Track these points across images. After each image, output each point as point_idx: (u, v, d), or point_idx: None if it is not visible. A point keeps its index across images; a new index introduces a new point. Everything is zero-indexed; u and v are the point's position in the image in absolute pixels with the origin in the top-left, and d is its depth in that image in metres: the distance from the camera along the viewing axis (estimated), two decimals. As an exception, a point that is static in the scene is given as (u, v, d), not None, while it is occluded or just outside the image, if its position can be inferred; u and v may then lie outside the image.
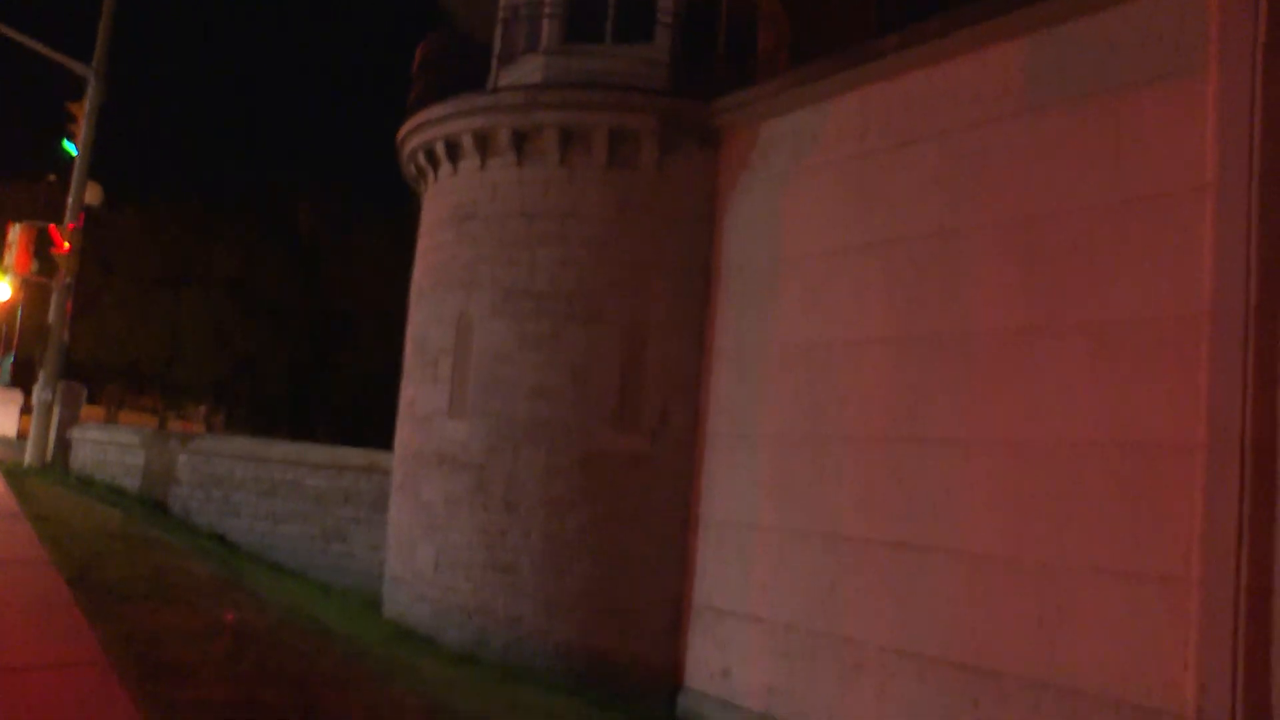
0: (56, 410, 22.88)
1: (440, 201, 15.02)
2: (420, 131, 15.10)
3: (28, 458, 22.42)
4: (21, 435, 30.49)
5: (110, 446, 21.77)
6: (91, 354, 41.50)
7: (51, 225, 23.90)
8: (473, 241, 14.21)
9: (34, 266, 26.71)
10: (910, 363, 10.56)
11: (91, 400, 36.63)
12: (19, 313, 37.34)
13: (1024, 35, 9.99)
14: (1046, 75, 9.77)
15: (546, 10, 14.75)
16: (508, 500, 13.31)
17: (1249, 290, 7.90)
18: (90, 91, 23.27)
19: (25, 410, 31.67)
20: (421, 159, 15.32)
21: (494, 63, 15.49)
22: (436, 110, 14.70)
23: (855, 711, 10.50)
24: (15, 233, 26.39)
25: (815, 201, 12.02)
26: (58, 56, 23.14)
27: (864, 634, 10.55)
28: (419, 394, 14.72)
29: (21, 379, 36.50)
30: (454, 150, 14.62)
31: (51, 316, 23.11)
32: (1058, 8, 9.62)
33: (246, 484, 18.83)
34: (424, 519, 14.15)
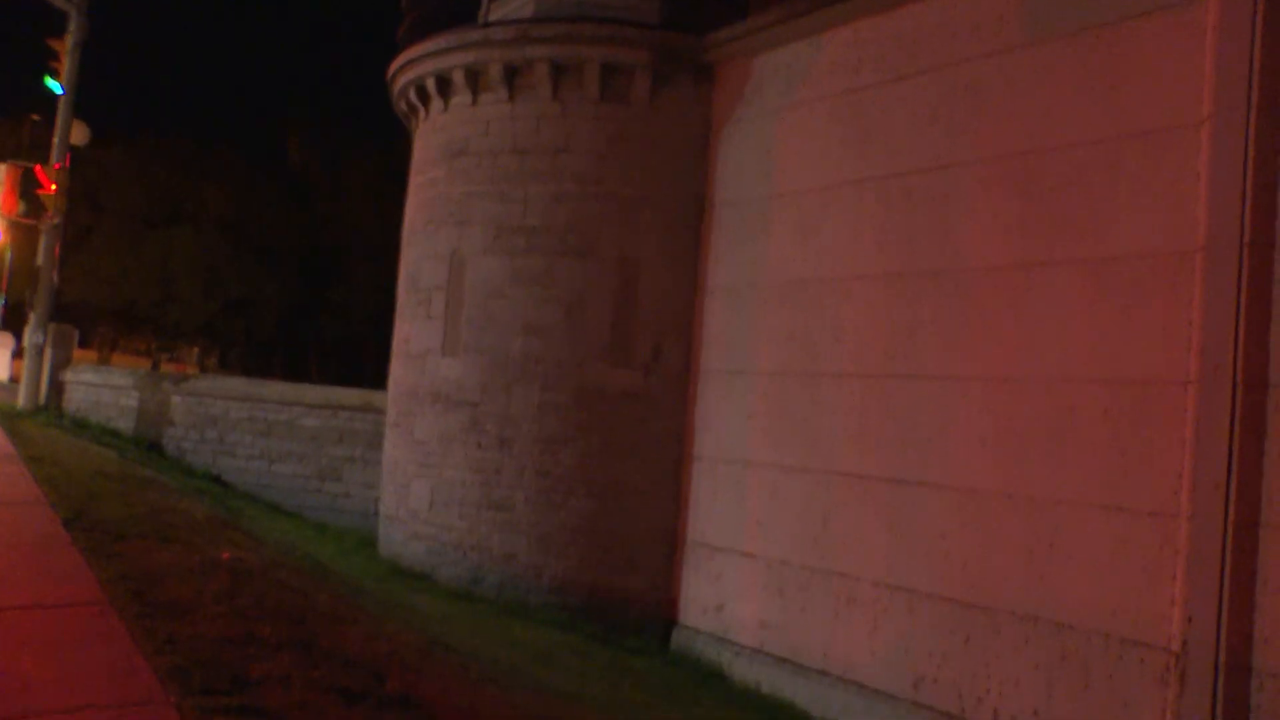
0: (48, 353, 22.82)
1: (432, 138, 14.89)
2: (411, 67, 14.92)
3: (21, 400, 22.39)
4: (14, 379, 30.45)
5: (104, 389, 21.74)
6: (82, 296, 41.33)
7: (37, 165, 23.66)
8: (465, 178, 14.11)
9: (20, 208, 26.47)
10: (904, 299, 10.54)
11: (84, 343, 36.54)
12: (7, 255, 37.16)
13: (1022, -34, 9.84)
14: (1044, 7, 9.65)
15: (538, -58, 14.51)
16: (502, 437, 13.35)
17: (1243, 226, 7.85)
18: (72, 27, 22.90)
19: (17, 354, 31.59)
20: (413, 95, 15.15)
21: (485, -4, 15.26)
22: (427, 45, 14.52)
23: (848, 646, 10.61)
24: (1, 173, 26.12)
25: (809, 136, 11.92)
26: (38, -10, 22.75)
27: (857, 569, 10.63)
28: (412, 332, 14.70)
29: (12, 322, 36.38)
30: (445, 86, 14.47)
31: (40, 259, 22.96)
32: (1056, -63, 9.47)
33: (241, 424, 18.84)
34: (418, 457, 14.19)
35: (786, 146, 12.23)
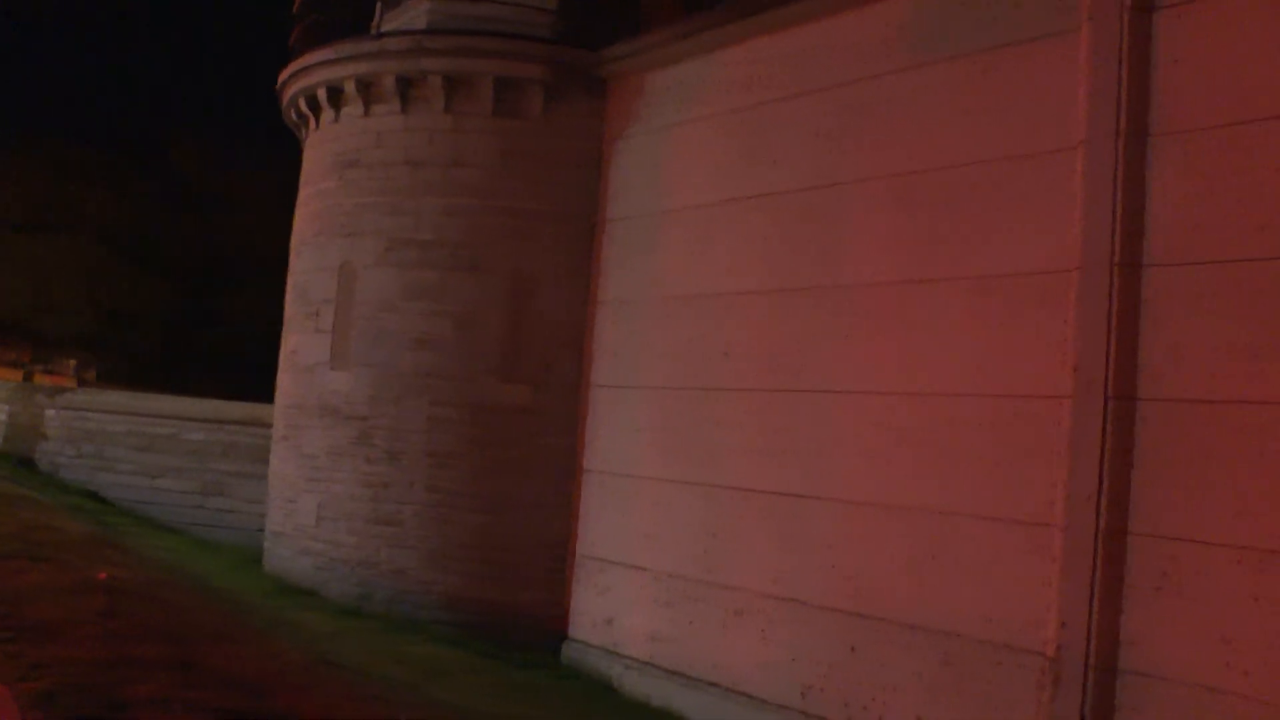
0: (-87, 364, 21.86)
1: (323, 149, 14.69)
2: (302, 76, 14.71)
3: (-118, 414, 21.39)
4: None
5: (-31, 403, 20.92)
6: (-59, 304, 39.58)
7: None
8: (356, 189, 13.95)
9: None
10: (792, 314, 10.72)
11: (-55, 355, 35.05)
12: None
13: (912, -9, 10.12)
14: (929, 31, 9.92)
15: (433, -48, 14.44)
16: (391, 451, 13.21)
17: (1114, 247, 8.18)
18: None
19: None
20: (303, 105, 14.93)
21: (379, 6, 15.11)
22: (319, 55, 14.33)
23: (737, 657, 10.72)
24: None
25: (701, 153, 12.06)
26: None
27: (745, 581, 10.75)
28: (301, 344, 14.46)
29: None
30: (336, 97, 14.30)
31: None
32: (939, -34, 9.76)
33: (121, 439, 18.31)
34: (306, 472, 13.95)
35: (679, 162, 12.36)
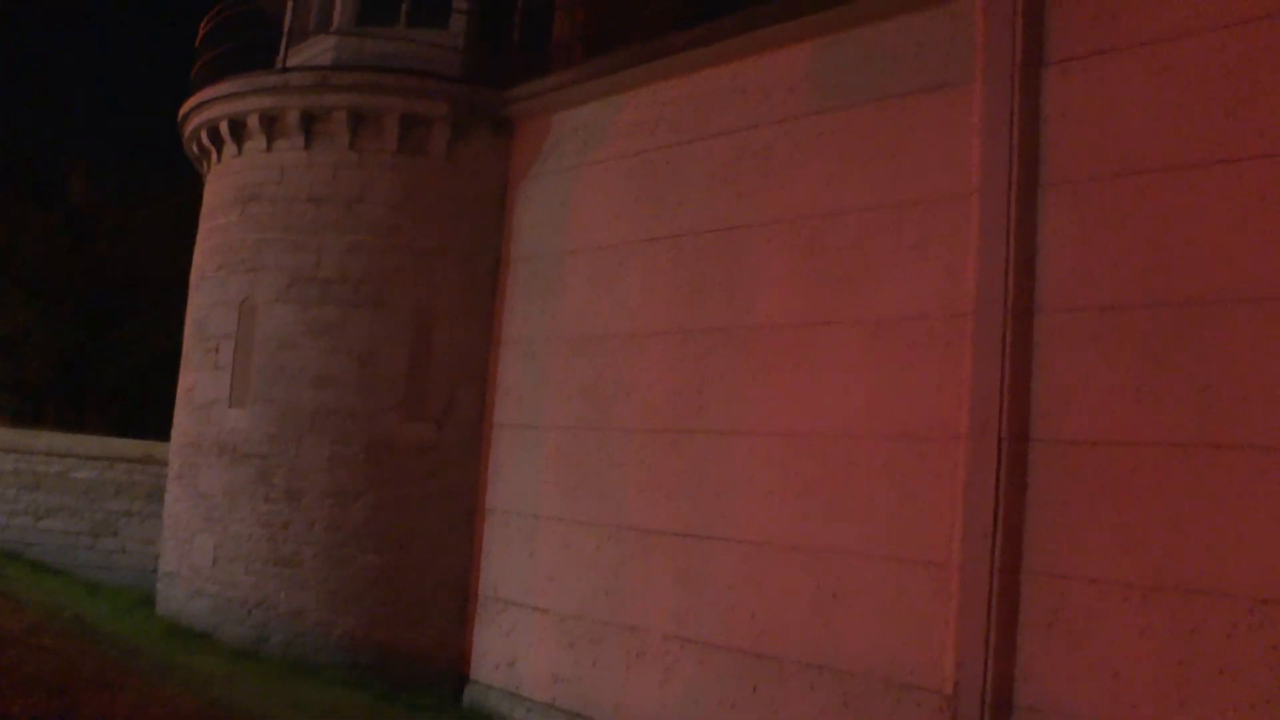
0: None
1: (224, 182, 14.45)
2: (204, 109, 14.48)
3: None
4: None
5: None
6: None
7: None
8: (258, 225, 13.74)
9: None
10: (694, 355, 10.81)
11: None
12: None
13: (811, 39, 10.34)
14: (831, 79, 10.15)
15: (340, -11, 14.39)
16: (291, 490, 12.96)
17: (1007, 292, 8.42)
18: None
19: None
20: (205, 138, 14.69)
21: (284, 40, 14.98)
22: (222, 88, 14.14)
23: (639, 699, 10.68)
24: None
25: (605, 194, 12.14)
26: None
27: (648, 622, 10.74)
28: (199, 381, 14.14)
29: None
30: (239, 130, 14.10)
31: None
32: (842, 15, 10.00)
33: (7, 477, 17.66)
34: (202, 511, 13.61)
35: (583, 203, 12.42)
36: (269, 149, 13.80)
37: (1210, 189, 7.69)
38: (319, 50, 14.38)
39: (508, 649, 12.30)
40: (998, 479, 8.31)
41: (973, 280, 8.71)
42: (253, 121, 13.82)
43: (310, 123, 13.48)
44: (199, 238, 15.03)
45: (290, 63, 14.49)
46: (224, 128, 14.17)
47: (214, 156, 14.76)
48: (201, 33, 15.44)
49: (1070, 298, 8.27)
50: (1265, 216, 7.40)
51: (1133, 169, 8.10)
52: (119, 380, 42.37)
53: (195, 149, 15.37)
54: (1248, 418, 7.27)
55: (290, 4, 15.18)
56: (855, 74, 9.96)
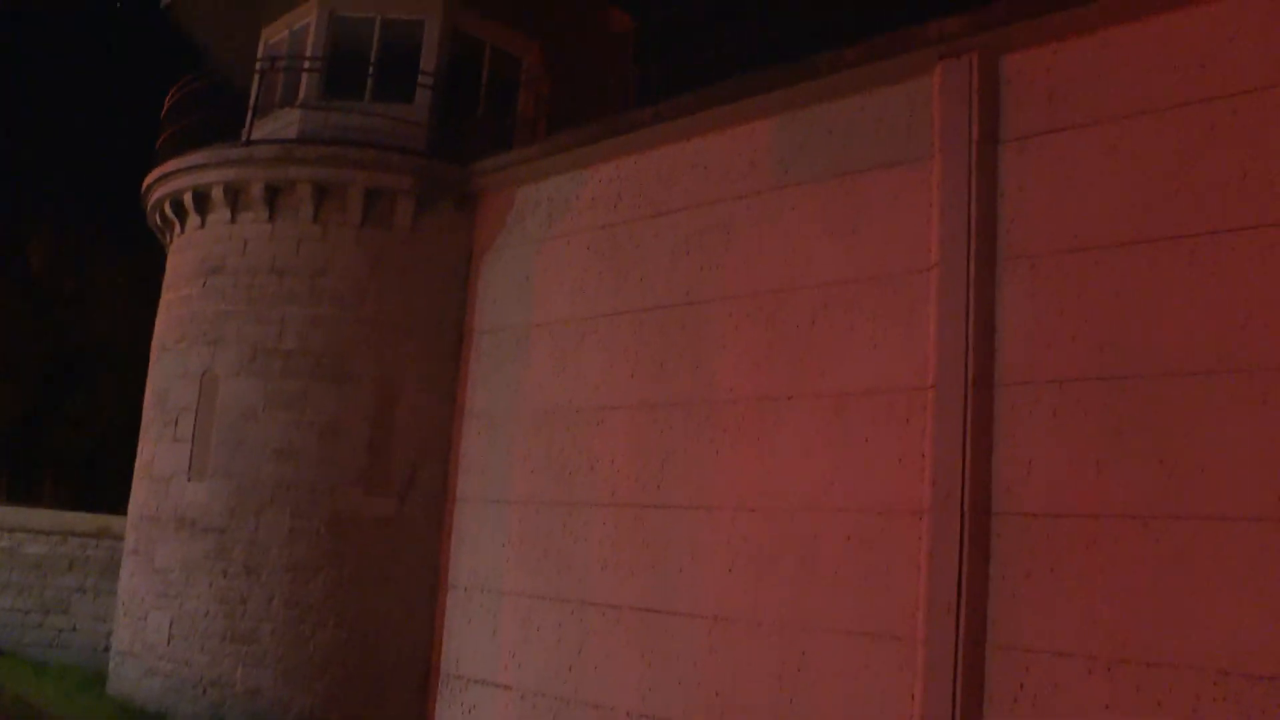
0: None
1: (187, 254, 14.40)
2: (168, 181, 14.47)
3: None
4: None
5: None
6: None
7: None
8: (220, 296, 13.68)
9: None
10: (658, 428, 10.80)
11: None
12: None
13: (773, 115, 10.51)
14: (792, 154, 10.30)
15: (306, 64, 14.52)
16: (249, 565, 12.76)
17: (967, 366, 8.50)
18: None
19: None
20: (168, 209, 14.67)
21: (249, 113, 15.06)
22: (187, 160, 14.15)
23: (603, 776, 10.51)
24: None
25: (568, 267, 12.20)
26: None
27: (611, 699, 10.59)
28: (158, 453, 13.96)
29: None
30: (203, 202, 14.09)
31: None
32: (802, 92, 10.18)
33: (-44, 552, 17.28)
34: (158, 586, 13.36)
35: (546, 276, 12.46)
36: (233, 221, 13.80)
37: (1163, 264, 7.85)
38: (284, 123, 14.45)
39: (469, 727, 12.09)
40: (961, 552, 8.32)
41: (933, 354, 8.79)
42: (217, 193, 13.83)
43: (274, 195, 13.51)
44: (160, 309, 14.94)
45: (255, 135, 14.55)
46: (188, 199, 14.15)
47: (177, 228, 14.72)
48: (167, 105, 15.48)
49: (1029, 371, 8.37)
50: (1216, 291, 7.55)
51: (1088, 244, 8.25)
52: (76, 451, 41.74)
53: (158, 220, 15.34)
54: (1205, 489, 7.36)
55: (257, 77, 15.28)
56: (816, 149, 10.11)
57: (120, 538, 15.20)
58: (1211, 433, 7.39)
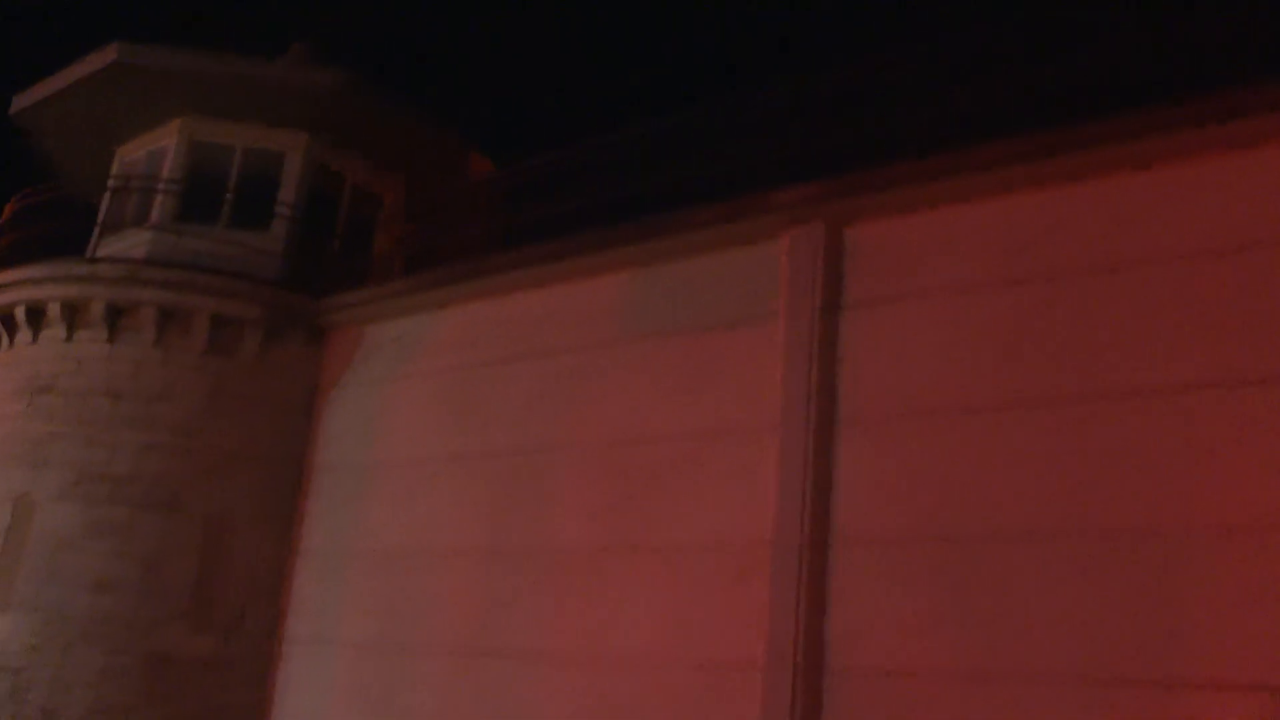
0: None
1: (13, 370, 13.73)
2: (1, 292, 13.88)
3: None
4: None
5: None
6: None
7: None
8: (47, 417, 13.06)
9: None
10: (496, 575, 10.66)
11: None
12: None
13: (628, 269, 10.77)
14: (645, 308, 10.51)
15: (162, 185, 14.26)
16: (48, 709, 11.82)
17: (803, 525, 8.66)
18: None
19: None
20: (-4, 321, 14.04)
21: (97, 229, 14.69)
22: (24, 272, 13.61)
23: None
24: None
25: (416, 407, 12.10)
26: None
27: None
28: (-44, 583, 13.03)
29: None
30: (37, 317, 13.53)
31: None
32: (656, 249, 10.47)
33: None
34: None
35: (394, 415, 12.33)
36: (69, 339, 13.28)
37: (993, 430, 8.20)
38: (133, 243, 14.12)
39: None
40: (793, 710, 8.33)
41: (771, 511, 8.94)
42: (54, 309, 13.31)
43: (116, 316, 13.08)
44: (-23, 426, 14.15)
45: (101, 253, 14.18)
46: (20, 313, 13.57)
47: (4, 342, 14.07)
48: (7, 214, 14.97)
49: (865, 530, 8.57)
50: (1041, 456, 7.90)
51: (922, 409, 8.58)
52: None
53: (-15, 330, 14.64)
54: (1033, 649, 7.56)
55: (109, 194, 14.95)
56: (667, 305, 10.35)
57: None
58: (1037, 595, 7.64)
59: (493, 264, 11.67)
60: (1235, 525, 7.01)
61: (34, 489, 12.80)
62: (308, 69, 14.27)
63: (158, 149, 14.76)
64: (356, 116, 14.33)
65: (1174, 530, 7.23)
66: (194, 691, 12.19)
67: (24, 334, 13.67)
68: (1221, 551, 7.04)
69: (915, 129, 9.24)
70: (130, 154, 15.21)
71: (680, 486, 9.64)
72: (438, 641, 10.89)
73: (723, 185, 10.15)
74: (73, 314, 13.31)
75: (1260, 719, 6.64)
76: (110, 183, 15.05)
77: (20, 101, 14.88)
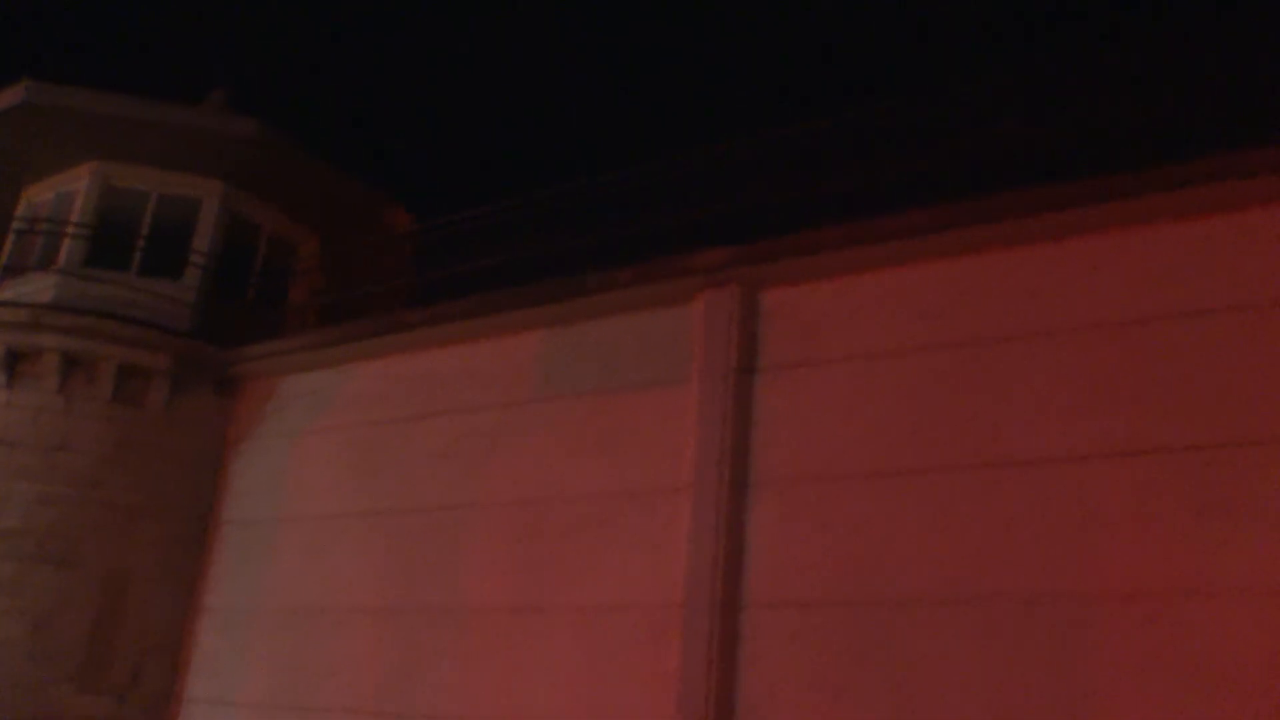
0: None
1: (-102, 417, 13.22)
2: (-111, 335, 13.38)
3: None
4: None
5: None
6: None
7: None
8: (-67, 464, 12.57)
9: None
10: (404, 634, 10.48)
11: None
12: None
13: (542, 328, 10.77)
14: (558, 368, 10.51)
15: (71, 229, 13.91)
16: (-87, 783, 11.31)
17: (715, 587, 8.66)
18: None
19: None
20: (-120, 367, 13.50)
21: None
22: (-86, 313, 13.16)
23: None
24: None
25: (326, 462, 11.93)
26: None
27: None
28: None
29: None
30: (-72, 362, 13.07)
31: None
32: (570, 309, 10.48)
33: None
34: None
35: (303, 470, 12.13)
36: (-39, 384, 12.83)
37: (901, 496, 8.29)
38: (38, 287, 13.72)
39: None
40: (705, 770, 8.26)
41: (683, 573, 8.93)
42: (-53, 354, 12.87)
43: (16, 361, 12.69)
44: None
45: (4, 295, 13.77)
46: (-92, 357, 13.10)
47: (-106, 387, 13.55)
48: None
49: (774, 594, 8.59)
50: (948, 524, 8.00)
51: (833, 473, 8.67)
52: None
53: None
54: (942, 713, 7.61)
55: (13, 236, 14.55)
56: (580, 365, 10.36)
57: None
58: (945, 662, 7.70)
59: (409, 319, 11.59)
60: (1134, 592, 7.17)
61: (-86, 541, 12.28)
62: (225, 117, 14.08)
63: (67, 191, 14.40)
64: (273, 167, 14.17)
65: (1076, 596, 7.37)
66: (85, 754, 11.72)
67: (-87, 379, 13.20)
68: (1122, 617, 7.19)
69: (833, 195, 9.42)
70: (38, 195, 14.82)
71: (592, 547, 9.60)
72: (339, 704, 10.65)
73: (640, 246, 10.23)
74: (-34, 359, 12.87)
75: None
76: (15, 224, 14.67)
77: (-80, 137, 14.45)
